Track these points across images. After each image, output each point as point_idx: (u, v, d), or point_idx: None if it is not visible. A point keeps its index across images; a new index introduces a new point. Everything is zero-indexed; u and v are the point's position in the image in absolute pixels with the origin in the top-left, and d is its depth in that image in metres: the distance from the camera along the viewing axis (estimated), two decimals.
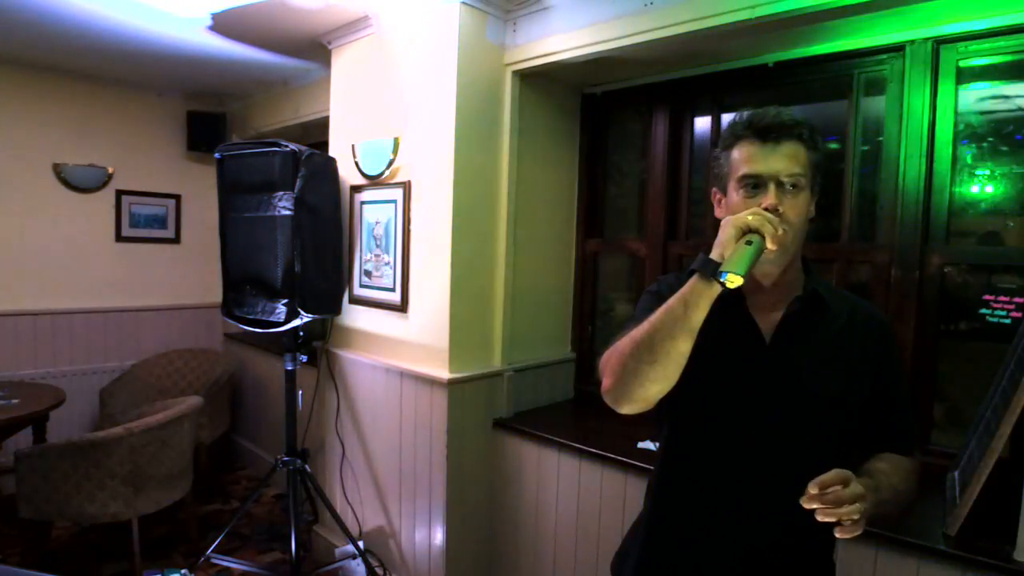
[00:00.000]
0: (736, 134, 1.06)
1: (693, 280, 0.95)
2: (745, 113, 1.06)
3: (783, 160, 1.00)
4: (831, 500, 0.83)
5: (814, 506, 0.84)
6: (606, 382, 1.03)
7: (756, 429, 1.05)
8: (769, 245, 0.92)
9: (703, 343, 1.06)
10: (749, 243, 0.92)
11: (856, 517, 0.83)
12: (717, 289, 0.94)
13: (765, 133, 1.02)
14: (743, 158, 1.03)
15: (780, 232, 0.94)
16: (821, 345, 1.07)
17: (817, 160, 1.04)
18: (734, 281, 0.90)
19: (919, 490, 1.09)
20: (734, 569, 1.07)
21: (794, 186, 1.01)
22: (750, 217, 0.94)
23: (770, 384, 1.05)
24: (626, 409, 1.02)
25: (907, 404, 1.13)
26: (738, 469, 1.05)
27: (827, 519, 0.84)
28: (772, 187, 1.00)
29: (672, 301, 0.96)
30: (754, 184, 1.02)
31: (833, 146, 2.01)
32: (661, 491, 1.20)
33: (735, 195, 1.05)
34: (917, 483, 1.08)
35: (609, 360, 1.03)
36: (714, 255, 0.94)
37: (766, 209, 0.97)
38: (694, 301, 0.94)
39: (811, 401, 1.04)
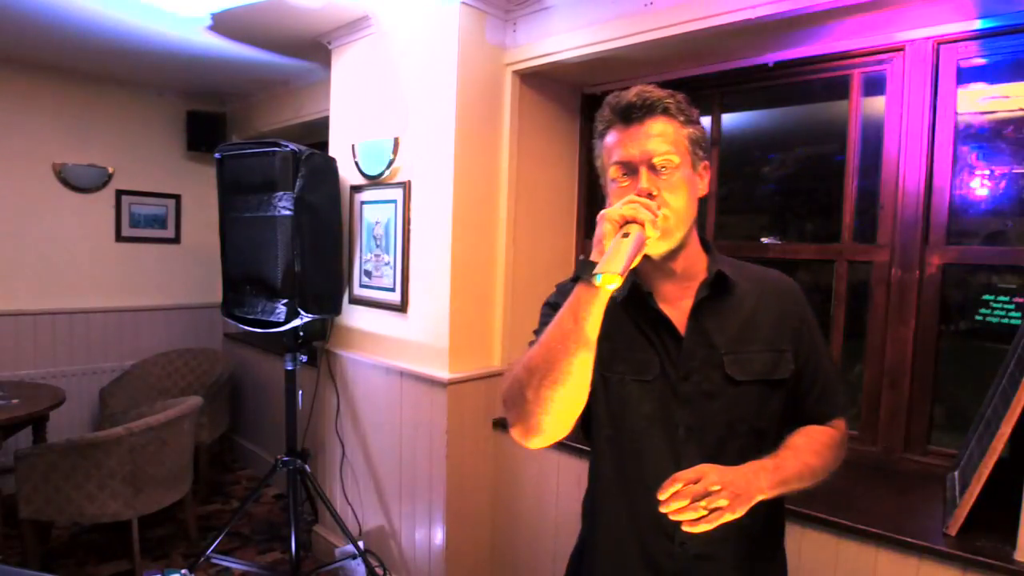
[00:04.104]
0: (604, 119, 1.00)
1: (577, 288, 0.87)
2: (613, 94, 0.99)
3: (651, 140, 0.94)
4: (683, 496, 0.84)
5: (667, 509, 0.84)
6: (510, 417, 0.94)
7: (687, 427, 1.01)
8: (649, 233, 0.86)
9: (617, 348, 1.04)
10: (626, 235, 0.84)
11: (706, 512, 0.84)
12: (604, 293, 0.86)
13: (628, 114, 0.96)
14: (612, 144, 0.98)
15: (660, 217, 0.89)
16: (738, 327, 1.02)
17: (694, 133, 0.98)
18: (610, 281, 0.81)
19: (844, 457, 1.05)
20: (681, 572, 1.03)
21: (666, 166, 0.95)
22: (624, 208, 0.87)
23: (693, 377, 1.01)
24: (538, 442, 0.93)
25: (831, 371, 1.08)
26: (673, 471, 0.94)
27: (678, 518, 0.85)
28: (644, 171, 0.94)
29: (561, 314, 0.89)
30: (626, 171, 0.97)
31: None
32: (597, 508, 1.15)
33: (612, 185, 0.99)
34: (839, 453, 1.04)
35: (510, 392, 0.93)
36: (593, 256, 0.87)
37: (640, 195, 0.91)
38: (583, 311, 0.86)
39: (737, 386, 1.00)
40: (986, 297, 1.74)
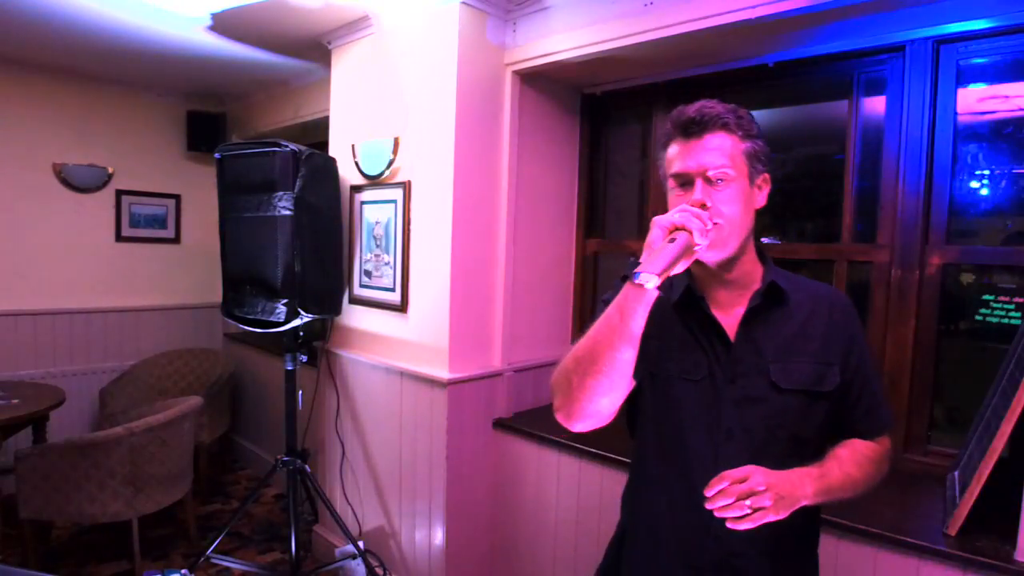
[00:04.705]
0: (666, 131, 1.05)
1: (625, 287, 0.92)
2: (677, 108, 1.04)
3: (707, 154, 0.99)
4: (729, 494, 0.87)
5: (713, 505, 0.88)
6: (556, 401, 1.01)
7: (729, 429, 1.04)
8: (697, 240, 0.91)
9: (668, 347, 1.07)
10: (672, 240, 0.90)
11: (750, 511, 0.87)
12: (651, 293, 0.90)
13: (687, 128, 1.00)
14: (672, 156, 1.03)
15: (711, 227, 0.93)
16: (787, 337, 1.05)
17: (753, 147, 1.02)
18: (649, 281, 0.87)
19: (886, 472, 1.08)
20: (715, 573, 1.06)
21: (721, 179, 0.98)
22: (675, 215, 0.92)
23: (739, 382, 1.04)
24: (579, 427, 0.99)
25: (877, 386, 1.11)
26: (712, 470, 0.99)
27: (722, 515, 0.88)
28: (699, 182, 0.99)
29: (609, 310, 0.94)
30: (683, 182, 1.01)
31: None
32: (637, 500, 1.19)
33: (671, 194, 1.04)
34: (881, 468, 1.07)
35: (557, 379, 1.01)
36: (642, 258, 0.91)
37: (693, 205, 0.96)
38: (629, 308, 0.91)
39: (781, 394, 1.03)
40: (986, 297, 1.74)
